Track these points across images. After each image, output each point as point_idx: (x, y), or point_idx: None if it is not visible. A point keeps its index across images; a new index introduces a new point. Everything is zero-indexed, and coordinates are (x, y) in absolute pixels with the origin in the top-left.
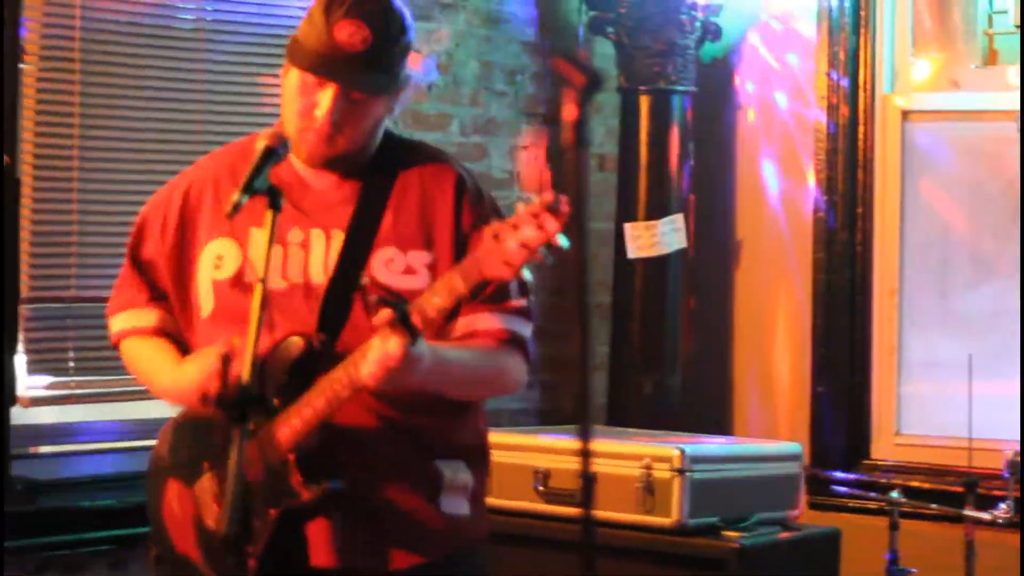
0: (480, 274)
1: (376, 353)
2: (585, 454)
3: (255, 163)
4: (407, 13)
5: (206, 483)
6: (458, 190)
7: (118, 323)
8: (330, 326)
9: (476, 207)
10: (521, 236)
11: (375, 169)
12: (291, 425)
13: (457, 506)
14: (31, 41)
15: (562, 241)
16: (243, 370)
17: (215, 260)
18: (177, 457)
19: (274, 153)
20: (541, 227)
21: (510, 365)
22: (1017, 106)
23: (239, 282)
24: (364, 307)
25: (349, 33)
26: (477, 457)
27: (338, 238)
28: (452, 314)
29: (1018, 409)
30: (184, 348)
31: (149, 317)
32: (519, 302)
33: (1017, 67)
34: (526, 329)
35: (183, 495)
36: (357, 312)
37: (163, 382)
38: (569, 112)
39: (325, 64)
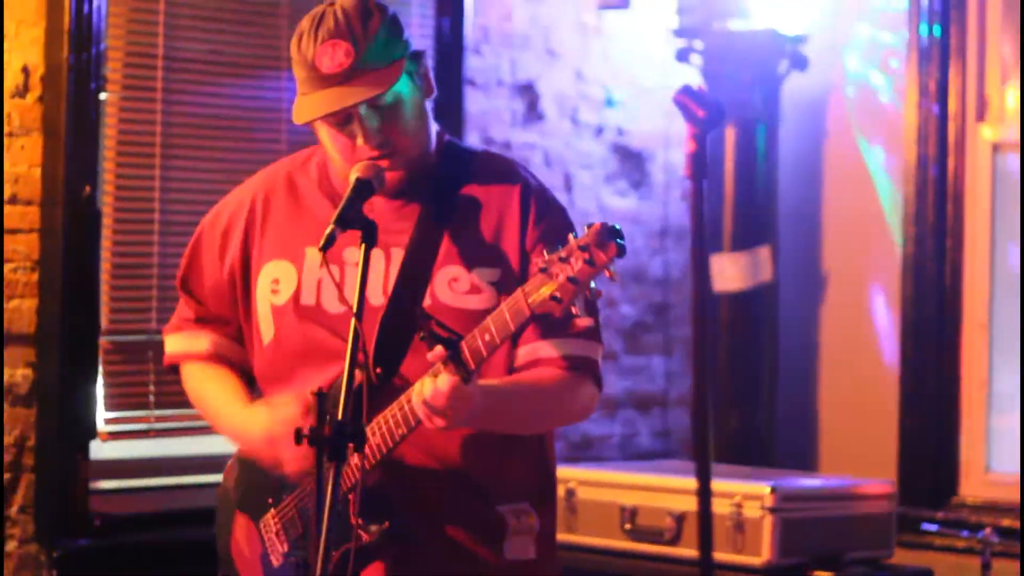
0: (528, 309)
1: (427, 391)
2: (704, 494)
3: (348, 195)
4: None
5: (270, 520)
6: (524, 202)
7: (170, 344)
8: (388, 353)
9: (542, 221)
10: (570, 271)
11: (437, 184)
12: (349, 464)
13: (523, 550)
14: (113, 70)
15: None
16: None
17: (271, 284)
18: (243, 492)
19: (367, 185)
20: (590, 261)
21: (577, 392)
22: None
23: (297, 306)
24: (420, 337)
25: (330, 57)
26: (543, 495)
27: (398, 257)
28: (514, 339)
29: None
30: (244, 374)
31: (202, 342)
32: (585, 321)
33: None
34: (594, 350)
35: (250, 531)
36: (418, 341)
37: (227, 422)
38: (689, 145)
39: (331, 99)
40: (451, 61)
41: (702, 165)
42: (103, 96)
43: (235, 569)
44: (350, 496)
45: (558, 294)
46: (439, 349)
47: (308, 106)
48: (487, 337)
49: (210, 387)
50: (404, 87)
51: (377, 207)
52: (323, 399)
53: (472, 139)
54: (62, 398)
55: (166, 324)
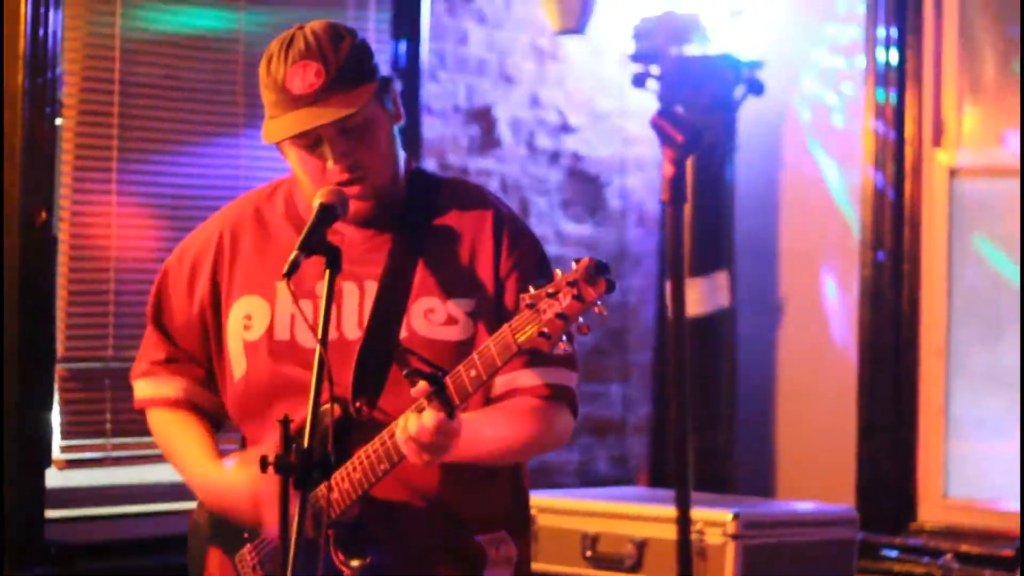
0: (516, 345)
1: (412, 427)
2: (683, 523)
3: (312, 221)
4: (337, 23)
5: (246, 554)
6: (496, 231)
7: (139, 389)
8: (366, 387)
9: (516, 248)
10: (558, 307)
11: (408, 214)
12: (330, 499)
13: None
14: (69, 95)
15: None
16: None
17: (244, 320)
18: (216, 526)
19: (331, 210)
20: (579, 296)
21: (555, 421)
22: None
23: (270, 342)
24: (400, 371)
25: (300, 78)
26: (519, 524)
27: (372, 290)
28: None
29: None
30: (213, 421)
31: (171, 387)
32: (563, 350)
33: None
34: (570, 379)
35: (224, 565)
36: (395, 372)
37: (201, 478)
38: (667, 169)
39: (302, 120)
40: (408, 87)
41: (681, 189)
42: (59, 121)
43: None
44: (330, 532)
45: (546, 330)
46: (423, 385)
47: (278, 127)
48: (473, 373)
49: (180, 438)
50: (374, 110)
51: (348, 238)
52: (287, 426)
53: (429, 165)
54: (18, 426)
55: (133, 367)
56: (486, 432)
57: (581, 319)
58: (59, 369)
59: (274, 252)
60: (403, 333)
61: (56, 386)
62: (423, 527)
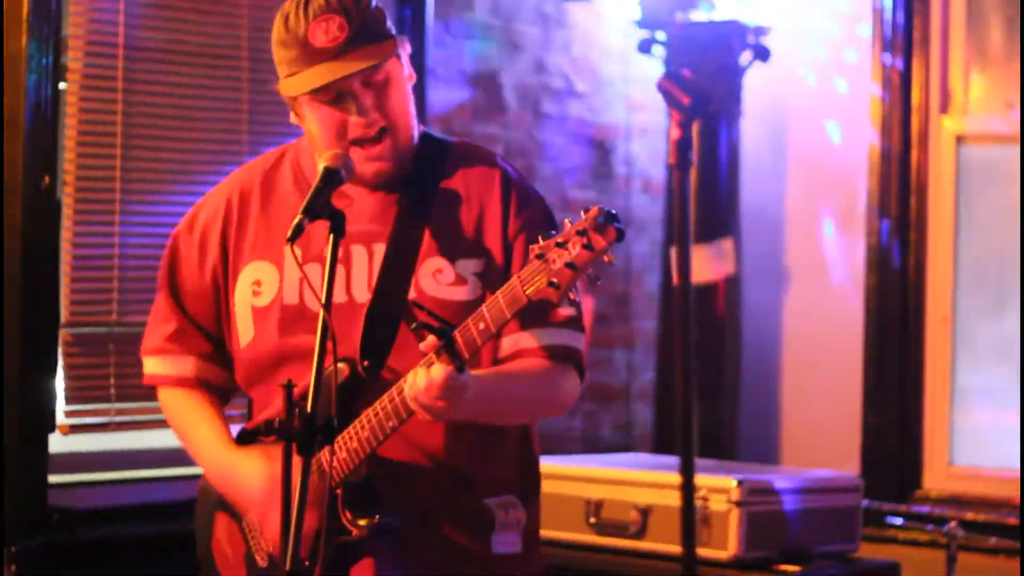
0: (525, 297)
1: (421, 382)
2: (688, 489)
3: (316, 185)
4: None
5: (254, 519)
6: (504, 193)
7: (149, 366)
8: (375, 348)
9: (523, 210)
10: (567, 256)
11: (415, 175)
12: (337, 458)
13: (509, 544)
14: (74, 60)
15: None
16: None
17: (252, 286)
18: None
19: (335, 174)
20: (588, 245)
21: (562, 382)
22: None
23: (278, 307)
24: (409, 329)
25: (324, 31)
26: (528, 488)
27: (380, 252)
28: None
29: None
30: (222, 393)
31: (182, 366)
32: (567, 311)
33: None
34: (576, 340)
35: (232, 530)
36: (404, 332)
37: (205, 458)
38: (674, 132)
39: (328, 71)
40: (413, 52)
41: (687, 153)
42: (62, 86)
43: (216, 570)
44: (338, 491)
45: (556, 280)
46: (432, 339)
47: (302, 80)
48: (482, 326)
49: (193, 420)
50: (396, 67)
51: (357, 202)
52: (291, 391)
53: (434, 130)
54: (21, 391)
55: (144, 339)
56: (493, 390)
57: (591, 269)
58: (63, 334)
59: (282, 217)
60: (412, 294)
61: (60, 351)
62: (431, 488)
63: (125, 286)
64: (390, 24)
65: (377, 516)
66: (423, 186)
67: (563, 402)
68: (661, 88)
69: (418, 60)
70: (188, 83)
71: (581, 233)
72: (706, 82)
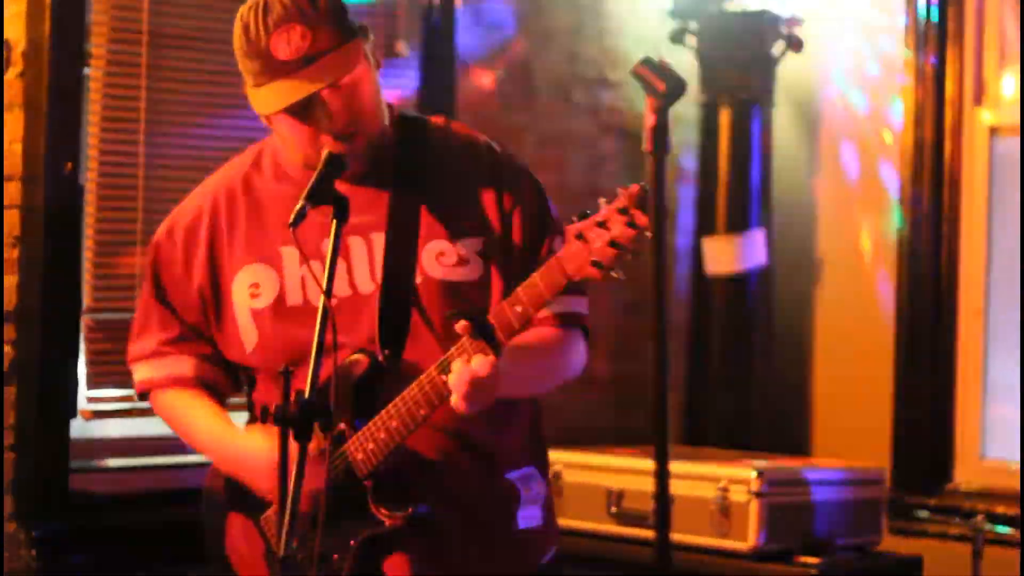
0: (566, 277)
1: (465, 375)
2: (662, 475)
3: (319, 171)
4: None
5: (272, 515)
6: (494, 169)
7: (144, 372)
8: (392, 337)
9: (516, 181)
10: (610, 234)
11: (400, 161)
12: (365, 450)
13: (533, 519)
14: (98, 46)
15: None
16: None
17: (250, 289)
18: (236, 492)
19: (338, 160)
20: (632, 223)
21: (572, 348)
22: None
23: (281, 308)
24: (420, 317)
25: (287, 41)
26: (542, 460)
27: (379, 242)
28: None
29: None
30: (220, 395)
31: (183, 365)
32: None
33: None
34: (582, 304)
35: (248, 530)
36: (416, 320)
37: (209, 444)
38: (648, 119)
39: (295, 88)
40: (443, 40)
41: (663, 139)
42: (86, 71)
43: (233, 570)
44: (367, 483)
45: (598, 259)
46: (465, 323)
47: (270, 96)
48: (519, 309)
49: (194, 413)
50: (361, 65)
51: (347, 195)
52: (288, 377)
53: (464, 120)
54: (43, 376)
55: (131, 347)
56: (519, 366)
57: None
58: (85, 319)
59: (272, 217)
60: (418, 278)
61: (82, 336)
62: (458, 471)
63: None
64: (351, 18)
65: (410, 508)
66: (409, 170)
67: (575, 366)
68: (636, 74)
69: (448, 48)
70: (212, 70)
71: (623, 211)
72: (739, 71)
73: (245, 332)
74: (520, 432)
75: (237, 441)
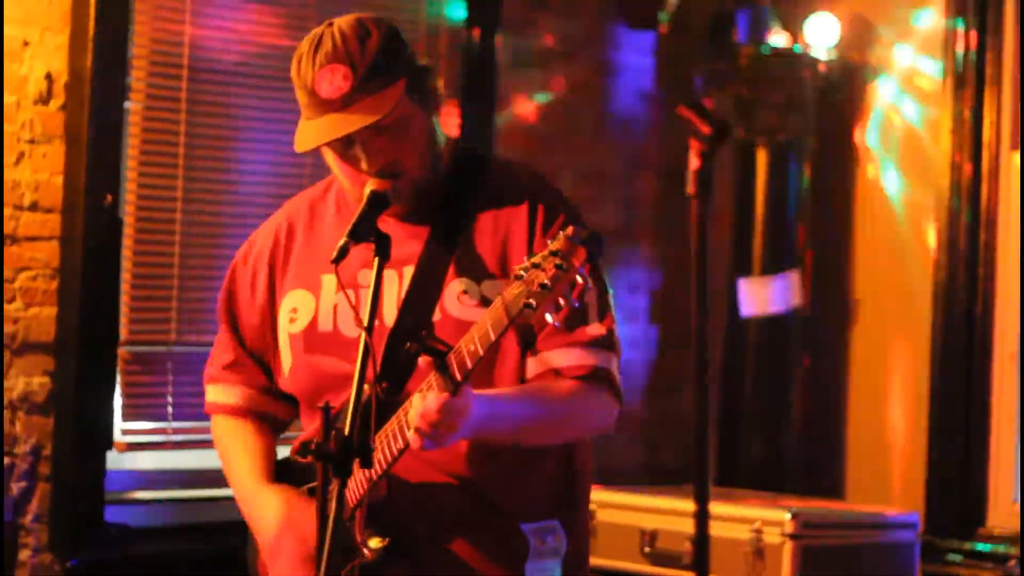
0: (508, 316)
1: (416, 409)
2: (702, 518)
3: (362, 208)
4: (366, 17)
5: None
6: (532, 212)
7: (210, 394)
8: (395, 370)
9: (550, 228)
10: (543, 276)
11: (447, 199)
12: (355, 480)
13: (546, 572)
14: (138, 79)
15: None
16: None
17: (290, 313)
18: None
19: (382, 198)
20: (561, 266)
21: (590, 402)
22: None
23: (312, 334)
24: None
25: (328, 81)
26: (572, 513)
27: (409, 276)
28: (524, 349)
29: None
30: (275, 424)
31: (232, 394)
32: (598, 330)
33: None
34: (607, 360)
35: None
36: (426, 356)
37: (235, 485)
38: (693, 162)
39: (332, 126)
40: (483, 78)
41: (708, 183)
42: (127, 105)
43: None
44: (357, 513)
45: (532, 301)
46: (425, 358)
47: (309, 133)
48: (471, 347)
49: (233, 448)
50: (406, 107)
51: (389, 230)
52: (328, 413)
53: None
54: (79, 407)
55: (206, 368)
56: (506, 410)
57: (581, 279)
58: (122, 352)
59: (322, 246)
60: (436, 315)
61: (118, 368)
62: (452, 510)
63: (184, 305)
64: (407, 53)
65: (387, 539)
66: (455, 210)
67: (594, 422)
68: (680, 117)
69: (488, 86)
70: (252, 105)
71: (554, 253)
72: (776, 112)
73: (284, 357)
74: (542, 482)
75: (258, 497)
